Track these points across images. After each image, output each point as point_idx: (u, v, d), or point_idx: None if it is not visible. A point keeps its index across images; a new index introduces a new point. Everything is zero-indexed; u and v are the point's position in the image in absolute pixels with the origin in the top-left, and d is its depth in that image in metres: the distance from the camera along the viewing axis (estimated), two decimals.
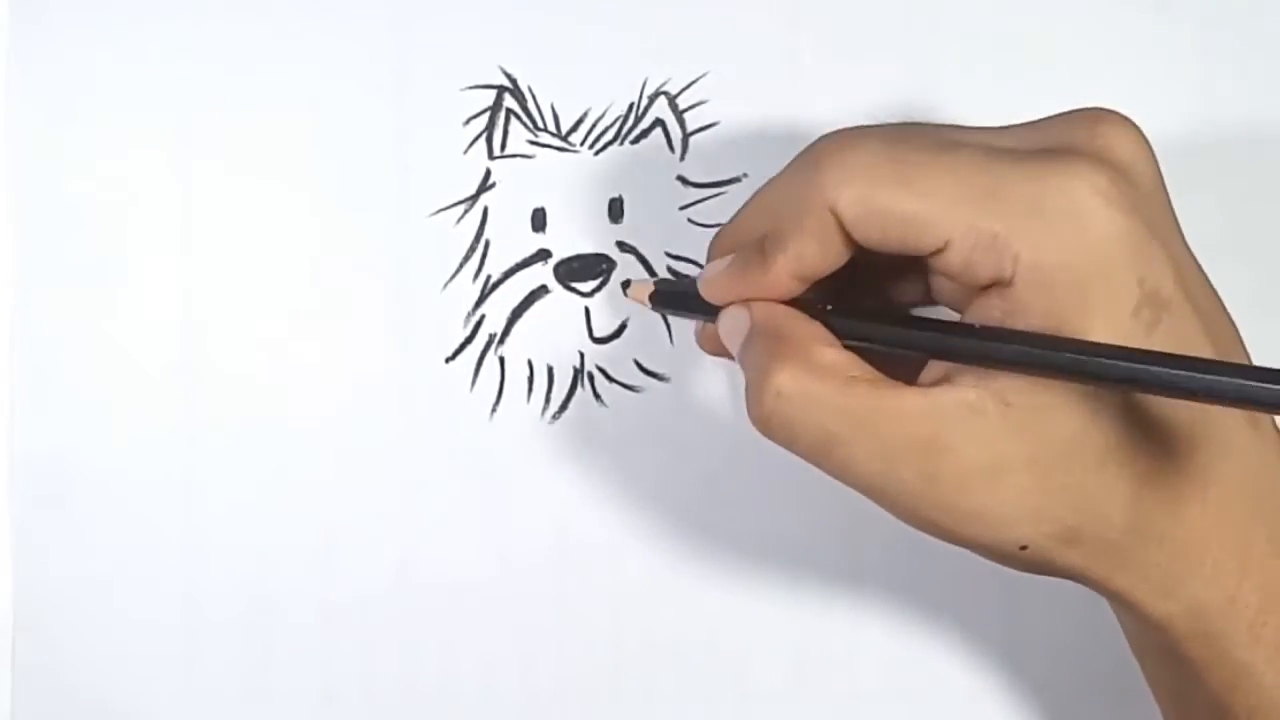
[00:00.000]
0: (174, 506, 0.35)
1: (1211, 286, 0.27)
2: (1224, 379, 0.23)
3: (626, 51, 0.36)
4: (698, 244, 0.36)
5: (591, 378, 0.36)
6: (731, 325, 0.29)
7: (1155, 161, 0.27)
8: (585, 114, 0.36)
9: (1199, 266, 0.27)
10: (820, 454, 0.27)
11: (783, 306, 0.28)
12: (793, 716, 0.36)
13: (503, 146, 0.35)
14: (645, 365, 0.36)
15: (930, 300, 0.30)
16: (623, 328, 0.36)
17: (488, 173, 0.35)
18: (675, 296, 0.32)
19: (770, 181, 0.29)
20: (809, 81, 0.36)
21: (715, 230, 0.30)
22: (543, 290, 0.36)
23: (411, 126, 0.35)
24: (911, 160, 0.26)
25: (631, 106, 0.36)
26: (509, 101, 0.35)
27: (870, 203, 0.26)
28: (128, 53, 0.35)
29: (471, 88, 0.35)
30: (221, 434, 0.35)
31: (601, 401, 0.36)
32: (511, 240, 0.35)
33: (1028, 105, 0.36)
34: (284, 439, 0.35)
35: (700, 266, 0.35)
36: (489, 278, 0.35)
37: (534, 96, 0.36)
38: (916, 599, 0.36)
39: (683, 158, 0.36)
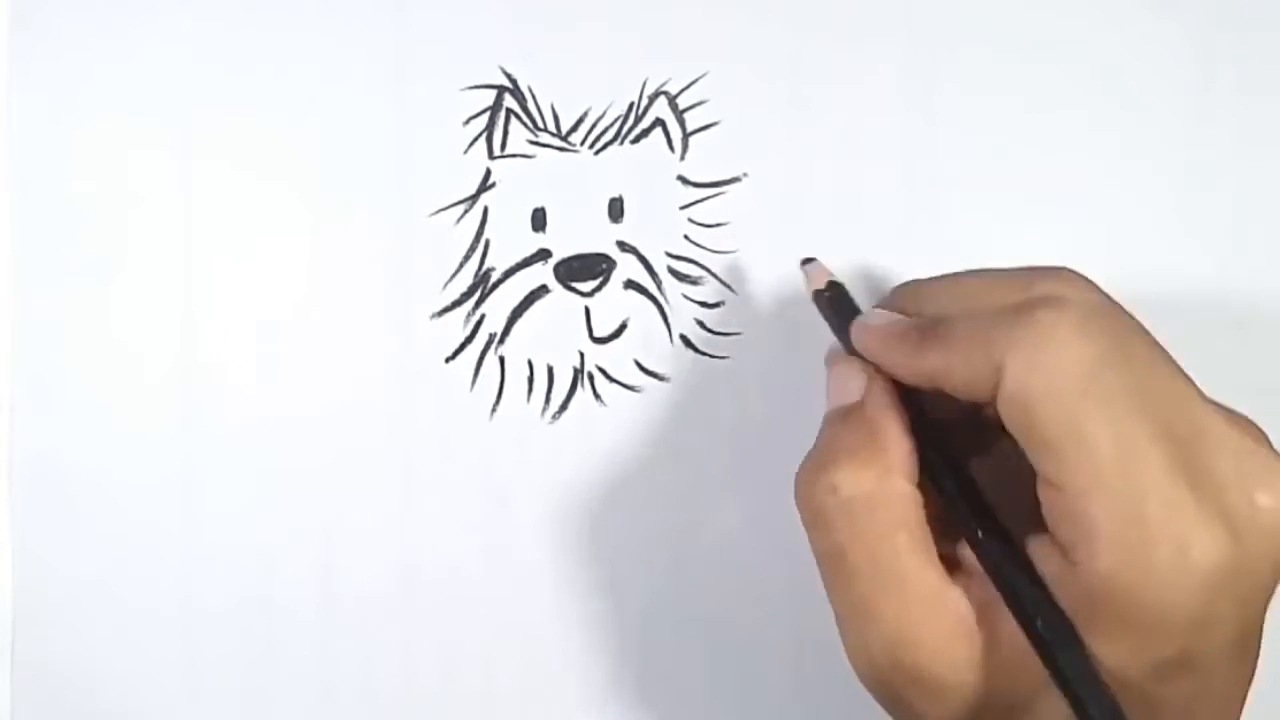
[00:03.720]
0: (173, 506, 0.35)
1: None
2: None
3: (626, 51, 0.36)
4: (698, 244, 0.36)
5: (591, 378, 0.36)
6: (842, 383, 0.29)
7: (1110, 298, 0.28)
8: (585, 114, 0.36)
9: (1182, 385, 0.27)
10: (827, 557, 0.27)
11: (897, 405, 0.28)
12: (793, 716, 0.36)
13: (503, 146, 0.35)
14: (645, 365, 0.36)
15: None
16: (623, 328, 0.36)
17: (488, 172, 0.35)
18: (833, 303, 0.32)
19: (995, 275, 0.29)
20: (809, 81, 0.36)
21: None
22: (543, 290, 0.36)
23: (411, 126, 0.35)
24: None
25: (631, 106, 0.36)
26: (509, 101, 0.35)
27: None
28: (128, 53, 0.35)
29: (471, 88, 0.35)
30: (221, 433, 0.35)
31: (601, 401, 0.36)
32: (511, 240, 0.35)
33: (1028, 107, 0.36)
34: (284, 439, 0.35)
35: (701, 267, 0.36)
36: (489, 277, 0.35)
37: (534, 96, 0.36)
38: None
39: (683, 158, 0.36)
